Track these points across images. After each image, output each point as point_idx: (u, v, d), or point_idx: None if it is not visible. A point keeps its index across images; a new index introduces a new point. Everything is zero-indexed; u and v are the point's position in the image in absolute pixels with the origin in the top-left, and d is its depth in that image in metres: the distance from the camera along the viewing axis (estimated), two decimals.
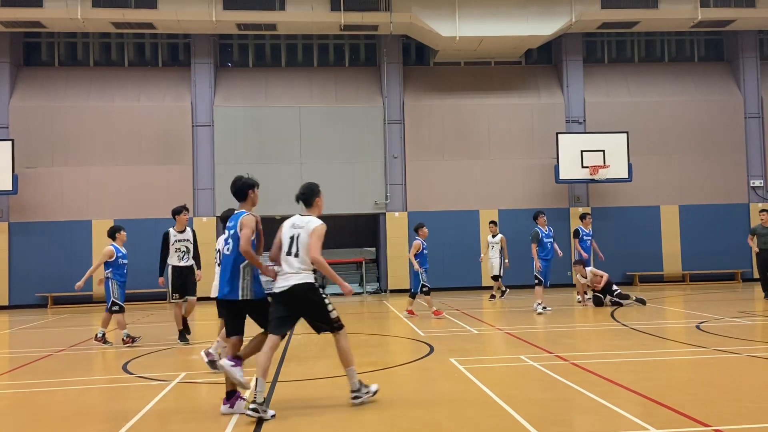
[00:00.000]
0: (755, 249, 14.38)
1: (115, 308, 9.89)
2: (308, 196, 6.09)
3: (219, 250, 7.59)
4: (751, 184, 20.31)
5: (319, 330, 5.97)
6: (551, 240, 13.05)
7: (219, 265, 7.53)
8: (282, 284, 5.81)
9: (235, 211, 6.05)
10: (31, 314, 16.47)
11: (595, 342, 9.38)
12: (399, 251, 19.04)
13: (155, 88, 19.44)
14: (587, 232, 14.56)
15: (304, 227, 5.92)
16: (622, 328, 10.26)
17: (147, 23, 17.89)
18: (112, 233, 10.15)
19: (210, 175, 19.15)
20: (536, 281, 12.73)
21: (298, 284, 5.77)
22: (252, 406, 5.41)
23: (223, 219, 7.11)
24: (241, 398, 5.72)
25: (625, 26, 19.45)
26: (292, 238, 5.91)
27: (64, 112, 18.86)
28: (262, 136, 19.33)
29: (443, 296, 16.88)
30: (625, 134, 19.13)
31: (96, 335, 10.08)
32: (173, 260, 9.91)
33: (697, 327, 10.11)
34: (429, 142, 19.72)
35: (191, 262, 10.06)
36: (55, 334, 12.25)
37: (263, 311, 5.79)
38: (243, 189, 5.96)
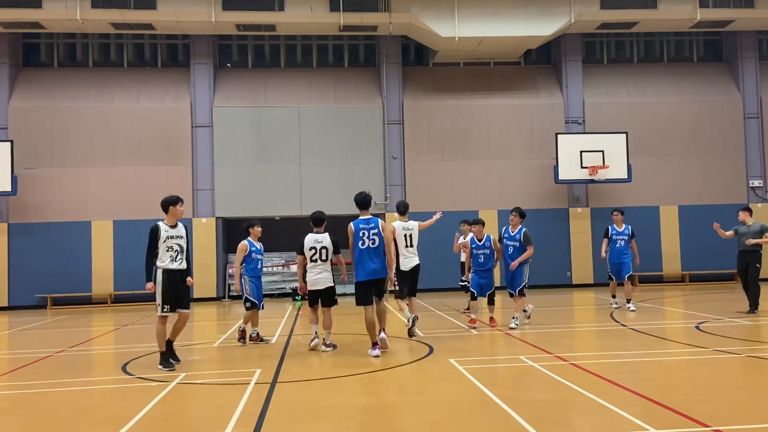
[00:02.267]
0: (726, 234, 12.02)
1: (247, 305, 9.64)
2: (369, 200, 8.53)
3: (325, 248, 8.89)
4: (751, 185, 20.33)
5: (413, 294, 9.88)
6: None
7: (323, 260, 8.93)
8: (408, 264, 9.73)
9: (363, 216, 8.35)
10: (31, 315, 16.46)
11: (595, 342, 9.38)
12: None
13: (154, 89, 19.43)
14: (618, 231, 12.57)
15: (413, 228, 9.89)
16: (622, 329, 10.27)
17: (146, 24, 17.88)
18: (246, 228, 9.85)
19: (209, 175, 19.14)
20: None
21: (418, 264, 9.84)
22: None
23: (314, 220, 9.00)
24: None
25: (624, 27, 19.46)
26: (406, 236, 9.77)
27: (63, 113, 18.85)
28: (262, 136, 19.32)
29: (442, 297, 16.89)
30: (625, 134, 19.15)
31: (250, 336, 9.82)
32: (164, 262, 7.82)
33: (697, 327, 10.11)
34: (428, 142, 19.73)
35: (185, 264, 7.98)
36: (54, 335, 12.24)
37: (384, 284, 8.43)
38: (369, 201, 8.48)
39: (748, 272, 11.66)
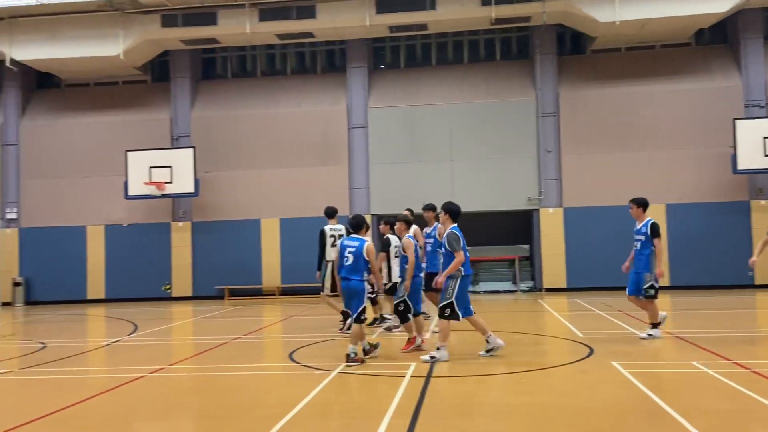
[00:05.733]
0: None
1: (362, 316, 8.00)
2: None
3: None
4: None
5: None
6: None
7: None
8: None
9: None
10: (211, 305, 18.18)
11: None
12: (555, 248, 18.44)
13: (314, 94, 20.52)
14: (637, 228, 9.25)
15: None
16: None
17: (307, 33, 18.93)
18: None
19: (365, 174, 19.81)
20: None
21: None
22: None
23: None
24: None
25: None
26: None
27: (236, 120, 20.53)
28: (414, 135, 19.61)
29: (603, 296, 16.01)
30: None
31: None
32: (331, 255, 10.34)
33: None
34: (586, 134, 18.80)
35: None
36: (230, 324, 13.44)
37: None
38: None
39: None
